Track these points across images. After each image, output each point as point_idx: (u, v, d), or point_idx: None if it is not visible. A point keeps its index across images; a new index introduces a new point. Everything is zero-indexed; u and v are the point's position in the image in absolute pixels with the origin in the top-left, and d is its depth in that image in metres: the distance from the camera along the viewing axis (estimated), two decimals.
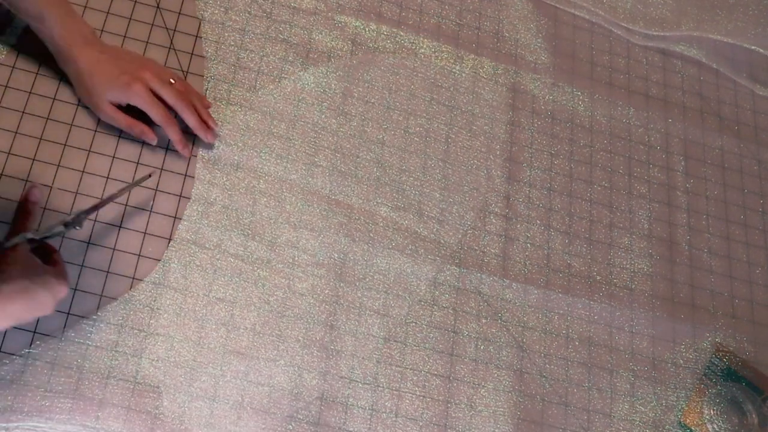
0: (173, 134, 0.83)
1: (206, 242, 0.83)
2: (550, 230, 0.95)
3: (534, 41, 1.05)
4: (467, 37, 1.03)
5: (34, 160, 0.82)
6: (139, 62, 0.83)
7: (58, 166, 0.82)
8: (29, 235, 0.72)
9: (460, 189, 0.94)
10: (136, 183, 0.82)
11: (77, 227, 0.76)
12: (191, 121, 0.84)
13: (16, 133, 0.83)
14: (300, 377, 0.81)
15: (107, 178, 0.83)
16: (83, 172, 0.83)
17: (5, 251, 0.70)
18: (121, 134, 0.85)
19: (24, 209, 0.77)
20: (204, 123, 0.86)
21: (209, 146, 0.87)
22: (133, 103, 0.81)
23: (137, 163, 0.85)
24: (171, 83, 0.83)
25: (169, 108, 0.83)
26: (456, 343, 0.86)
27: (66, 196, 0.81)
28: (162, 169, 0.85)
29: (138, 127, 0.83)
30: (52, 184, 0.82)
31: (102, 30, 0.89)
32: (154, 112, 0.82)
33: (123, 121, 0.83)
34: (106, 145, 0.85)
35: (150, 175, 0.83)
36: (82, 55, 0.81)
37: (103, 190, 0.83)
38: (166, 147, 0.86)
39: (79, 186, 0.82)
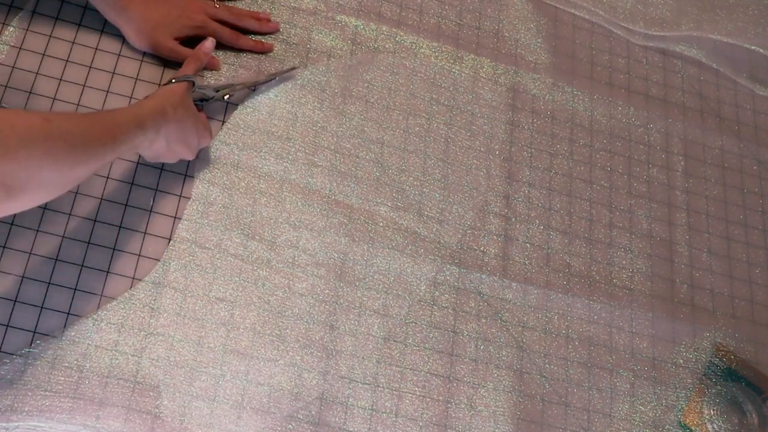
0: (246, 43, 0.92)
1: (206, 242, 0.83)
2: (550, 230, 0.95)
3: (534, 41, 1.05)
4: (467, 37, 1.03)
5: None
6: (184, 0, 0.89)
7: None
8: (194, 78, 0.81)
9: (460, 189, 0.94)
10: (283, 72, 0.91)
11: (226, 97, 0.88)
12: (253, 24, 0.93)
13: None
14: (300, 377, 0.81)
15: (107, 177, 0.83)
16: None
17: (170, 88, 0.78)
18: None
19: (196, 56, 0.85)
20: (261, 20, 0.93)
21: (209, 146, 0.87)
22: (198, 34, 0.88)
23: (137, 162, 0.85)
24: (217, 7, 0.91)
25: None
26: (456, 343, 0.86)
27: (66, 196, 0.81)
28: (162, 169, 0.85)
29: (204, 57, 0.87)
30: None
31: (102, 31, 0.89)
32: (225, 35, 0.90)
33: (185, 52, 0.87)
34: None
35: (297, 67, 0.93)
36: (131, 2, 0.85)
37: (103, 190, 0.83)
38: None
39: (78, 185, 0.82)
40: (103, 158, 0.65)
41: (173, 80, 0.80)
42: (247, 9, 0.94)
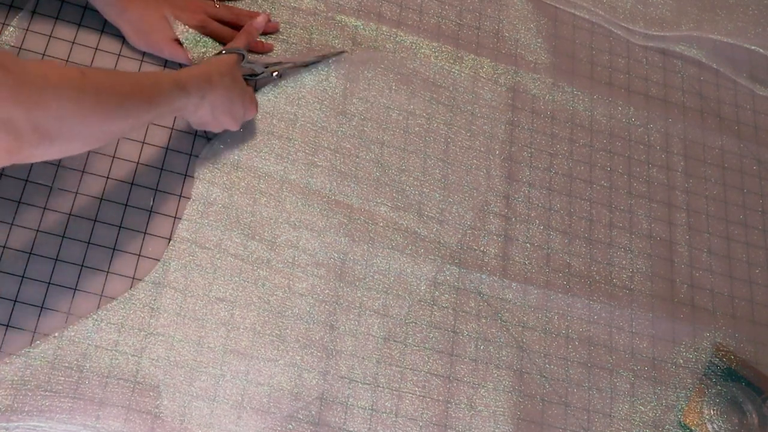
0: (249, 30, 0.89)
1: (206, 242, 0.83)
2: (550, 230, 0.95)
3: (534, 41, 1.05)
4: (467, 37, 1.03)
5: None
6: (184, 0, 0.89)
7: (58, 165, 0.82)
8: (244, 52, 0.84)
9: (460, 189, 0.94)
10: (332, 54, 0.94)
11: (275, 74, 0.90)
12: (253, 23, 0.91)
13: None
14: (300, 377, 0.81)
15: (107, 177, 0.83)
16: (83, 171, 0.83)
17: (220, 58, 0.81)
18: None
19: (247, 30, 0.88)
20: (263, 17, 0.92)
21: (209, 146, 0.87)
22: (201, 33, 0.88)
23: (137, 162, 0.85)
24: (217, 7, 0.91)
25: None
26: (456, 343, 0.86)
27: (66, 195, 0.81)
28: (162, 169, 0.85)
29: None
30: (52, 184, 0.82)
31: (102, 31, 0.89)
32: (224, 34, 0.89)
33: (186, 55, 0.87)
34: (107, 145, 0.85)
35: (345, 51, 0.94)
36: (131, 3, 0.85)
37: (103, 190, 0.83)
38: (167, 147, 0.86)
39: (79, 186, 0.82)
40: (138, 117, 0.67)
41: (223, 51, 0.83)
42: (247, 9, 0.94)
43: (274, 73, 0.91)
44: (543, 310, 0.90)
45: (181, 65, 0.90)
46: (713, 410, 0.89)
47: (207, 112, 0.78)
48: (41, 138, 0.57)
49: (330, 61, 0.95)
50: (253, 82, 0.90)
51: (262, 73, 0.89)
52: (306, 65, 0.93)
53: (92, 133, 0.64)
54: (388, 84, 0.97)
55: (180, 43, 0.88)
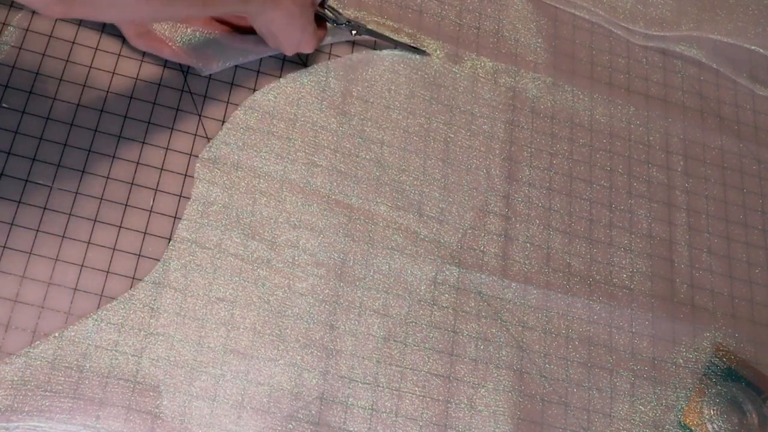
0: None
1: (206, 242, 0.83)
2: (550, 230, 0.95)
3: (534, 41, 1.05)
4: (467, 37, 1.03)
5: (34, 160, 0.82)
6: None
7: (59, 166, 0.82)
8: None
9: (460, 188, 0.94)
10: (414, 49, 0.96)
11: (353, 32, 0.93)
12: None
13: (16, 133, 0.83)
14: (300, 377, 0.81)
15: (107, 177, 0.83)
16: (83, 171, 0.83)
17: None
18: (120, 134, 0.85)
19: None
20: None
21: (209, 146, 0.87)
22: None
23: (137, 162, 0.85)
24: None
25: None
26: (456, 343, 0.86)
27: (66, 195, 0.82)
28: (162, 169, 0.85)
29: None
30: (52, 183, 0.82)
31: (102, 31, 0.89)
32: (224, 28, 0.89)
33: (185, 56, 0.88)
34: (107, 144, 0.85)
35: (429, 54, 0.97)
36: None
37: (103, 190, 0.83)
38: (167, 147, 0.86)
39: (79, 186, 0.82)
40: (189, 6, 0.71)
41: None
42: None
43: (354, 32, 0.94)
44: (543, 310, 0.90)
45: (181, 66, 0.90)
46: (713, 410, 0.89)
47: (264, 25, 0.82)
48: None
49: (332, 61, 0.95)
50: (331, 27, 0.93)
51: (342, 23, 0.92)
52: (388, 42, 0.95)
53: (130, 8, 0.66)
54: (388, 84, 0.97)
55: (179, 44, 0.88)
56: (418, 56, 0.98)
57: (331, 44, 0.96)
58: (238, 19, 0.91)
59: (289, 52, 0.88)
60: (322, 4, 0.90)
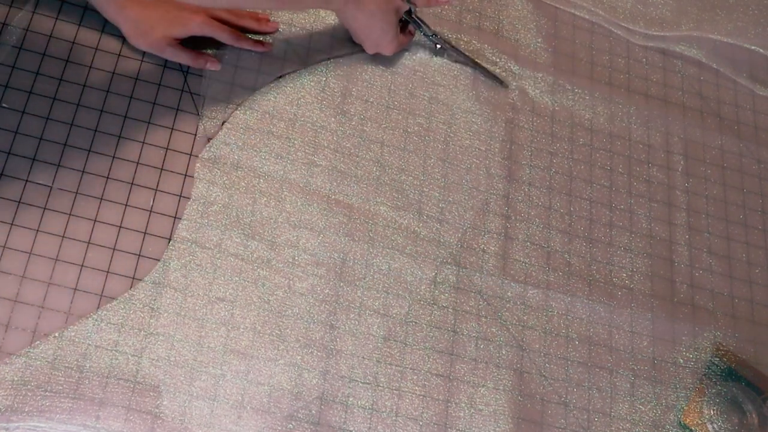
0: (247, 44, 0.91)
1: (206, 242, 0.83)
2: (550, 229, 0.95)
3: (534, 41, 1.05)
4: (467, 36, 1.03)
5: (34, 159, 0.82)
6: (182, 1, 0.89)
7: (59, 166, 0.83)
8: (412, 6, 0.92)
9: (460, 188, 0.94)
10: (491, 76, 0.98)
11: (437, 46, 0.97)
12: (253, 24, 0.92)
13: (16, 133, 0.83)
14: (300, 377, 0.81)
15: (107, 177, 0.83)
16: (83, 172, 0.83)
17: None
18: (120, 134, 0.85)
19: None
20: (261, 20, 0.93)
21: (209, 146, 0.87)
22: (197, 33, 0.88)
23: (137, 162, 0.85)
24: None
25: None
26: (456, 343, 0.86)
27: (66, 195, 0.82)
28: (162, 169, 0.85)
29: (202, 58, 0.89)
30: (52, 183, 0.82)
31: (102, 31, 0.89)
32: (225, 35, 0.89)
33: (187, 55, 0.88)
34: (107, 144, 0.85)
35: (505, 85, 0.99)
36: (132, 1, 0.86)
37: (103, 190, 0.83)
38: (167, 147, 0.86)
39: (79, 186, 0.82)
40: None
41: None
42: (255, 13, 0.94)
43: (438, 45, 0.97)
44: (543, 309, 0.90)
45: (181, 66, 0.90)
46: (713, 410, 0.89)
47: (347, 21, 0.89)
48: None
49: (332, 61, 0.95)
50: (420, 33, 0.96)
51: (428, 34, 0.95)
52: (470, 63, 0.98)
53: None
54: (388, 84, 0.97)
55: (180, 43, 0.88)
56: (491, 81, 1.00)
57: (332, 44, 0.96)
58: (236, 18, 0.91)
59: (370, 51, 0.94)
60: (410, 13, 0.93)
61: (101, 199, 0.83)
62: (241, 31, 0.92)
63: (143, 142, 0.86)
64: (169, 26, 0.86)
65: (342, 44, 0.97)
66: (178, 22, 0.87)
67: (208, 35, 0.89)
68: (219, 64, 0.90)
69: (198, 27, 0.88)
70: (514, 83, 1.01)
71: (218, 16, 0.90)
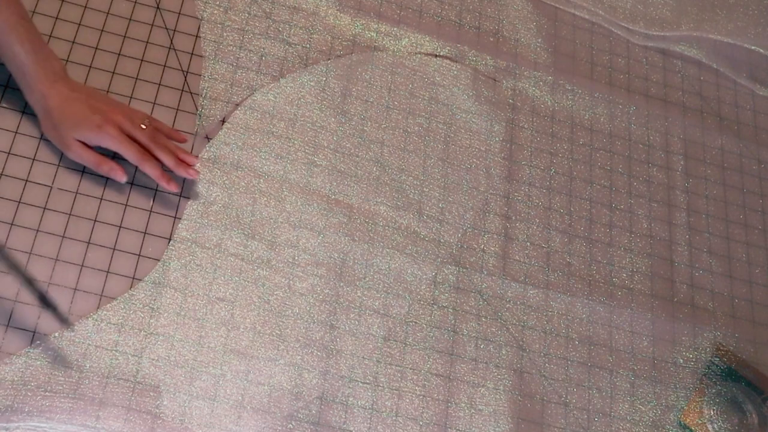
0: (152, 170, 0.80)
1: (206, 242, 0.83)
2: (550, 229, 0.95)
3: (534, 41, 1.05)
4: (467, 37, 1.03)
5: (34, 160, 0.82)
6: (109, 104, 0.81)
7: (58, 166, 0.82)
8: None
9: (460, 188, 0.94)
10: None
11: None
12: (168, 161, 0.81)
13: (16, 133, 0.83)
14: (300, 377, 0.81)
15: (107, 177, 0.83)
16: (83, 172, 0.83)
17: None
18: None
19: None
20: (182, 161, 0.82)
21: (209, 146, 0.87)
22: (104, 144, 0.79)
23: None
24: (142, 128, 0.80)
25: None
26: (456, 343, 0.86)
27: (66, 195, 0.81)
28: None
29: (107, 165, 0.80)
30: (52, 184, 0.82)
31: (102, 30, 0.89)
32: (129, 152, 0.79)
33: (92, 158, 0.80)
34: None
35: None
36: (53, 92, 0.79)
37: (103, 190, 0.83)
38: None
39: (79, 186, 0.82)
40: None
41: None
42: (182, 133, 0.86)
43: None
44: (543, 309, 0.90)
45: (181, 66, 0.89)
46: (713, 410, 0.89)
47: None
48: None
49: (332, 61, 0.95)
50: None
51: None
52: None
53: None
54: (388, 84, 0.97)
55: (88, 146, 0.80)
56: (418, 57, 0.97)
57: (332, 44, 0.96)
58: (154, 147, 0.82)
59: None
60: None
61: (101, 199, 0.83)
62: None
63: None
64: (79, 129, 0.79)
65: (342, 44, 0.97)
66: (89, 128, 0.79)
67: (116, 150, 0.80)
68: (124, 175, 0.81)
69: (107, 139, 0.79)
70: (515, 83, 1.02)
71: (135, 137, 0.81)
